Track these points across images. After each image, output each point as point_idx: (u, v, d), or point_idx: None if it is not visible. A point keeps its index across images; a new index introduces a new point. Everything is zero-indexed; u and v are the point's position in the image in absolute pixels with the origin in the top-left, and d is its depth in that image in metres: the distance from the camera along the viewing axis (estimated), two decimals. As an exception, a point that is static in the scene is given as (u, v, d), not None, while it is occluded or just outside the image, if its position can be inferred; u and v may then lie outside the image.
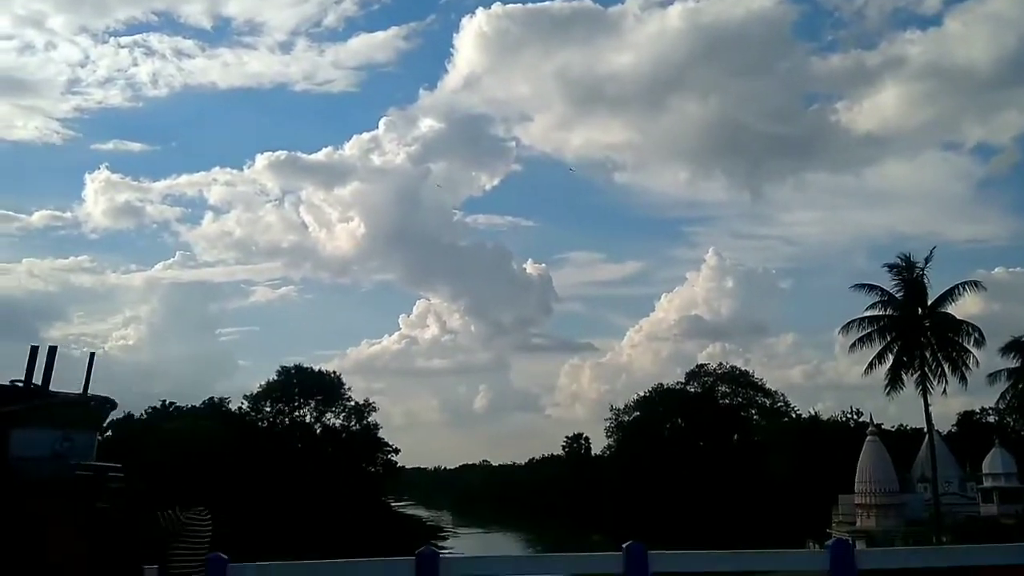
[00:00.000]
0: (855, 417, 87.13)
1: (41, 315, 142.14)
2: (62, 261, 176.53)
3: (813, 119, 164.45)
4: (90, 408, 7.31)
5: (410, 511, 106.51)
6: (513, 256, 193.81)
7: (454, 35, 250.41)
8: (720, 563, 9.49)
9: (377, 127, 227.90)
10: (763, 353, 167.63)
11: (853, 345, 55.18)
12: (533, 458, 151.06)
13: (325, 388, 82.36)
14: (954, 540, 47.46)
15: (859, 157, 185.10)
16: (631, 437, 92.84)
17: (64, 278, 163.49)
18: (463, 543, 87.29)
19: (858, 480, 65.47)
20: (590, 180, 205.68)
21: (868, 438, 67.10)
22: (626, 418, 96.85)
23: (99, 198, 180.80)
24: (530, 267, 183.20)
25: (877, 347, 54.56)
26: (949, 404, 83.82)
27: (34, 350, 7.25)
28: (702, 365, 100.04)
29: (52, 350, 7.00)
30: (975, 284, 56.73)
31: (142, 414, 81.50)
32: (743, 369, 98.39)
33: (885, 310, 54.97)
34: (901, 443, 72.99)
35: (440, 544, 68.95)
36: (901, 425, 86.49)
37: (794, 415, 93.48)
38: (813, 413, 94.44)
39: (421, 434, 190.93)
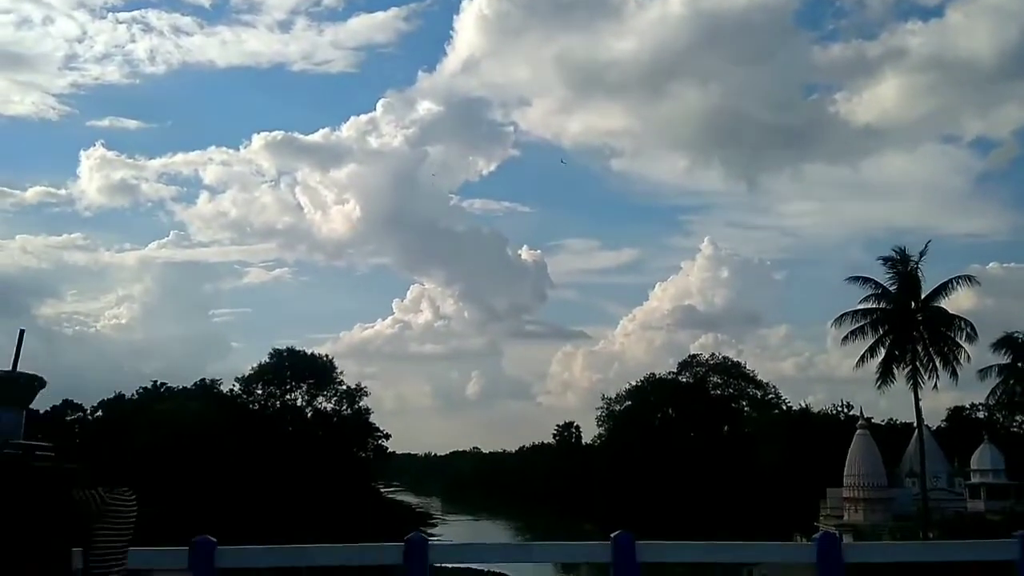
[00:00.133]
0: (845, 410, 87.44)
1: (34, 292, 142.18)
2: (55, 238, 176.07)
3: (812, 109, 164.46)
4: (18, 386, 7.24)
5: (400, 497, 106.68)
6: (509, 242, 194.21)
7: (454, 17, 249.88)
8: (708, 554, 9.50)
9: (375, 109, 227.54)
10: (756, 344, 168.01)
11: (845, 338, 55.32)
12: (524, 446, 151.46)
13: (317, 372, 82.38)
14: (941, 535, 47.67)
15: (857, 149, 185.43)
16: (622, 426, 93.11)
17: (57, 255, 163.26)
18: (452, 530, 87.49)
19: (847, 474, 65.64)
20: (587, 167, 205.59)
21: (858, 432, 67.23)
22: (617, 407, 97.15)
23: (94, 175, 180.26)
24: (525, 253, 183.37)
25: (869, 340, 54.68)
26: (939, 399, 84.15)
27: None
28: (694, 355, 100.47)
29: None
30: (969, 279, 56.89)
31: (133, 394, 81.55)
32: (735, 360, 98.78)
33: (878, 303, 55.08)
34: (891, 437, 73.15)
35: (429, 531, 69.13)
36: (891, 419, 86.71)
37: (785, 407, 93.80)
38: (804, 405, 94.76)
39: (412, 419, 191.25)
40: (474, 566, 28.35)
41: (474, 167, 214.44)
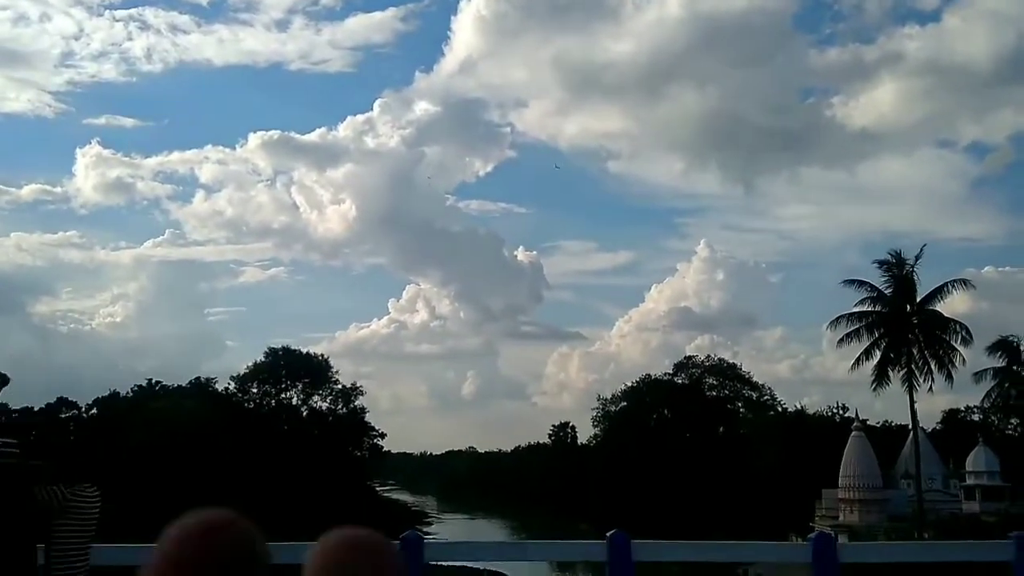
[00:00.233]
0: (841, 412, 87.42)
1: (29, 290, 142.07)
2: (51, 236, 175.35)
3: (809, 113, 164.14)
4: None
5: (395, 496, 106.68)
6: (505, 243, 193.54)
7: (452, 18, 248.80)
8: (703, 553, 9.51)
9: (372, 109, 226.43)
10: (751, 346, 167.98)
11: (841, 340, 55.50)
12: (519, 446, 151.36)
13: (312, 371, 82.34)
14: (936, 536, 47.71)
15: (853, 152, 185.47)
16: (618, 427, 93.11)
17: (53, 253, 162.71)
18: (448, 528, 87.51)
19: (842, 475, 65.72)
20: (584, 168, 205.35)
21: (853, 433, 67.33)
22: (613, 408, 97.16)
23: (90, 173, 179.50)
24: (521, 254, 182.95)
25: (865, 343, 54.88)
26: (934, 401, 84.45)
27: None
28: (690, 357, 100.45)
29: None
30: (964, 282, 57.10)
31: (128, 392, 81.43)
32: (731, 362, 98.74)
33: (874, 306, 55.23)
34: (886, 439, 73.21)
35: (424, 529, 69.11)
36: (886, 421, 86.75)
37: (780, 409, 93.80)
38: (799, 407, 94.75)
39: (408, 419, 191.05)
40: (469, 564, 28.35)
41: (471, 168, 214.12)
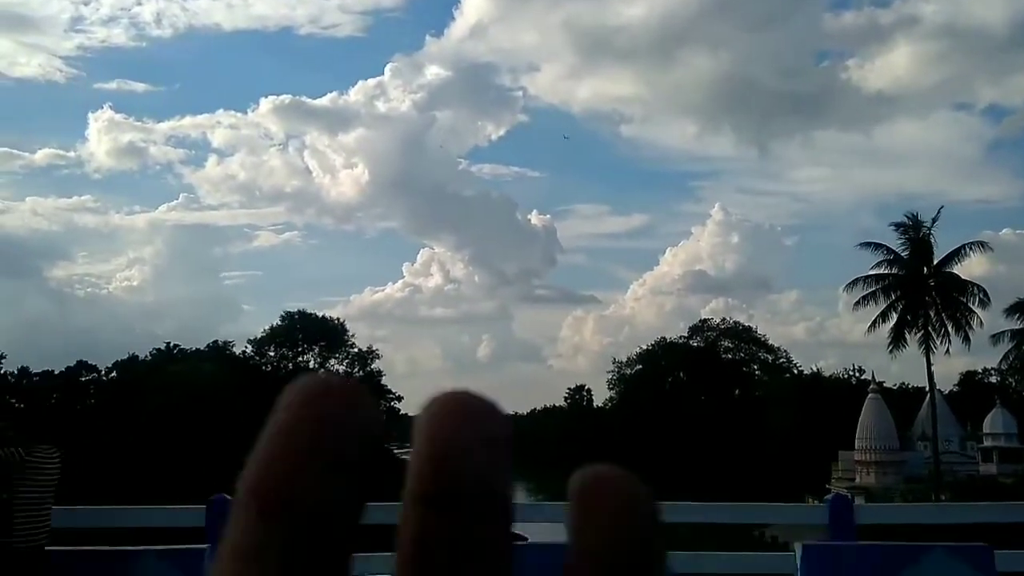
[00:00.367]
0: (857, 375, 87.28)
1: (44, 254, 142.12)
2: (65, 200, 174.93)
3: (824, 76, 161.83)
4: None
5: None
6: (518, 207, 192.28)
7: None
8: (717, 515, 9.53)
9: (383, 73, 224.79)
10: (766, 309, 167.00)
11: (857, 303, 55.33)
12: (535, 408, 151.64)
13: (328, 334, 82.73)
14: (953, 498, 47.79)
15: (869, 115, 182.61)
16: (633, 390, 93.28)
17: (68, 217, 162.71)
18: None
19: (858, 437, 65.75)
20: (597, 132, 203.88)
21: (869, 395, 67.25)
22: (628, 371, 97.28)
23: (102, 138, 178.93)
24: (535, 218, 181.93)
25: (881, 305, 54.67)
26: (952, 364, 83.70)
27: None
28: (705, 320, 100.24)
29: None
30: (982, 244, 56.64)
31: (147, 356, 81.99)
32: (746, 325, 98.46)
33: (890, 269, 54.95)
34: (903, 401, 73.13)
35: None
36: (903, 383, 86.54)
37: (796, 371, 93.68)
38: (815, 370, 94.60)
39: (424, 382, 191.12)
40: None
41: (483, 132, 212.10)
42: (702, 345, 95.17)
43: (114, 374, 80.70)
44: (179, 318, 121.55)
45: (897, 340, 54.11)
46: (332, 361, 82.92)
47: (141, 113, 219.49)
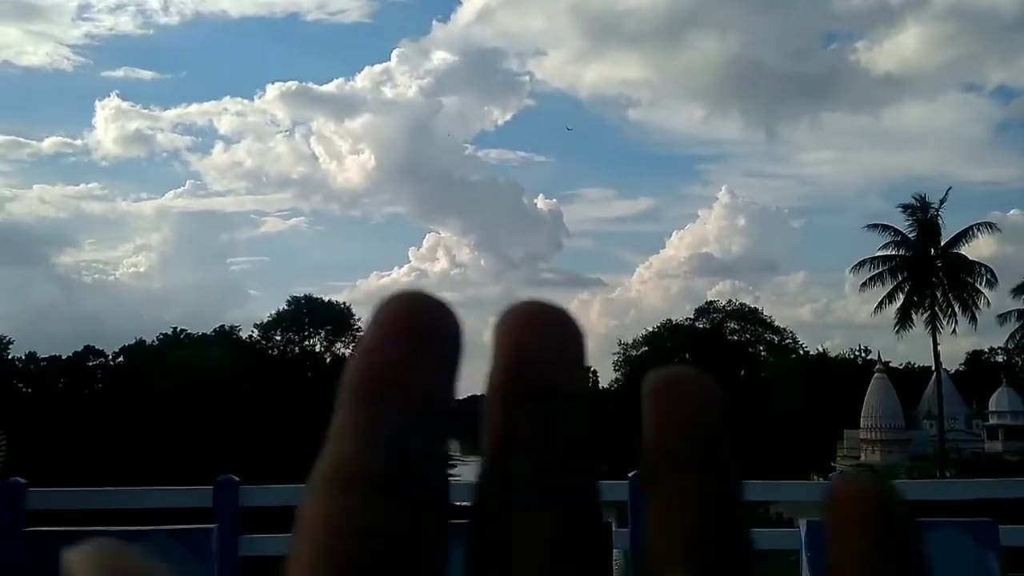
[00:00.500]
0: (863, 355, 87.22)
1: (52, 242, 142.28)
2: (72, 188, 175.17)
3: (832, 58, 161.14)
4: None
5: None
6: (524, 191, 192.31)
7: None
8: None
9: (389, 59, 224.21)
10: (772, 291, 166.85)
11: (864, 284, 55.29)
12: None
13: (335, 318, 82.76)
14: (958, 475, 47.84)
15: (877, 97, 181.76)
16: (639, 371, 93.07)
17: (75, 205, 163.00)
18: (470, 469, 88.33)
19: (864, 416, 65.83)
20: (604, 116, 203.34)
21: (875, 375, 67.28)
22: (634, 353, 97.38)
23: (109, 125, 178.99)
24: (541, 202, 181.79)
25: (888, 287, 54.64)
26: (958, 343, 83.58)
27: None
28: (711, 302, 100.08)
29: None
30: (989, 225, 56.57)
31: (154, 341, 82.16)
32: (752, 306, 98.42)
33: (898, 250, 54.90)
34: (909, 380, 73.09)
35: (448, 471, 69.84)
36: (909, 363, 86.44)
37: (802, 352, 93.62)
38: (821, 350, 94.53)
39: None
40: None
41: (489, 117, 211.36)
42: (708, 327, 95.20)
43: (121, 359, 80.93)
44: (186, 303, 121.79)
45: (903, 320, 54.14)
46: (338, 345, 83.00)
47: (148, 101, 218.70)
